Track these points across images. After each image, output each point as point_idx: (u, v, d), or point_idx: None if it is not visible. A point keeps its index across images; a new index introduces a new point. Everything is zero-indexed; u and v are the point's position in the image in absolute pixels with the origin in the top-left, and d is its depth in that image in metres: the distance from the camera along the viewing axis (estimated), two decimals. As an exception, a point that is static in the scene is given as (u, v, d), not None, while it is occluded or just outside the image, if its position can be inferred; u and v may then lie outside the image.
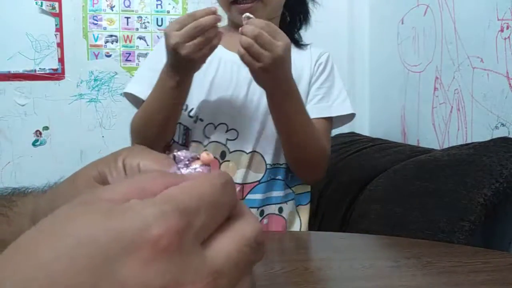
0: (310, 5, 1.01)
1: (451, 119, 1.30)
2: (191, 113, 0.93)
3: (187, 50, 0.71)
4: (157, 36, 1.87)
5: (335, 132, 1.92)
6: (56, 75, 1.83)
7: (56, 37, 1.82)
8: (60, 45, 1.82)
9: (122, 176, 0.29)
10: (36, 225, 0.19)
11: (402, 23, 1.61)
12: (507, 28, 1.06)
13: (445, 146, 1.31)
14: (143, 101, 0.90)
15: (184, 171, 0.26)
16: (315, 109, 0.93)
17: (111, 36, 1.86)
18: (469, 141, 1.18)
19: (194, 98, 0.91)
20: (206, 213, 0.21)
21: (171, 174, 0.24)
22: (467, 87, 1.22)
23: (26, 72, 1.80)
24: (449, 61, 1.31)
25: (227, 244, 0.21)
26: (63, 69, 1.83)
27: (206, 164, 0.26)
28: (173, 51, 0.73)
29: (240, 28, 0.73)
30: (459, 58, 1.26)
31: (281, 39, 0.73)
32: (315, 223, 1.43)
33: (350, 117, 0.99)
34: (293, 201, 0.99)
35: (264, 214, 0.94)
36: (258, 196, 0.93)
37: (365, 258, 0.60)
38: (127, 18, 1.88)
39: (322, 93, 0.95)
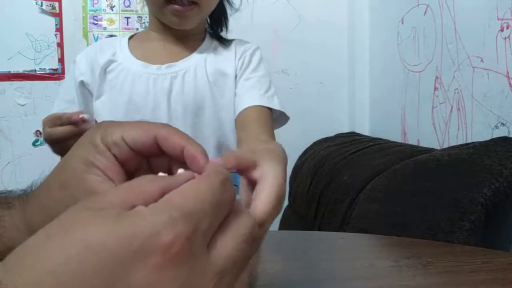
0: (227, 8, 0.99)
1: (451, 119, 1.30)
2: None
3: (46, 135, 0.72)
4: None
5: (335, 132, 1.93)
6: (56, 75, 1.82)
7: (56, 37, 1.82)
8: (60, 45, 1.82)
9: (111, 159, 0.30)
10: (43, 229, 0.19)
11: (402, 23, 1.61)
12: (507, 27, 1.06)
13: (445, 146, 1.31)
14: None
15: None
16: (257, 98, 0.84)
17: (111, 36, 1.86)
18: (469, 141, 1.18)
19: (112, 117, 0.83)
20: (210, 214, 0.21)
21: (165, 177, 0.24)
22: (467, 87, 1.22)
23: (26, 72, 1.80)
24: (449, 61, 1.31)
25: (228, 244, 0.22)
26: (63, 69, 1.83)
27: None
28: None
29: None
30: (459, 58, 1.26)
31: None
32: (315, 223, 1.43)
33: (284, 120, 0.89)
34: None
35: None
36: None
37: (365, 258, 0.60)
38: (127, 18, 1.88)
39: (253, 83, 0.87)
